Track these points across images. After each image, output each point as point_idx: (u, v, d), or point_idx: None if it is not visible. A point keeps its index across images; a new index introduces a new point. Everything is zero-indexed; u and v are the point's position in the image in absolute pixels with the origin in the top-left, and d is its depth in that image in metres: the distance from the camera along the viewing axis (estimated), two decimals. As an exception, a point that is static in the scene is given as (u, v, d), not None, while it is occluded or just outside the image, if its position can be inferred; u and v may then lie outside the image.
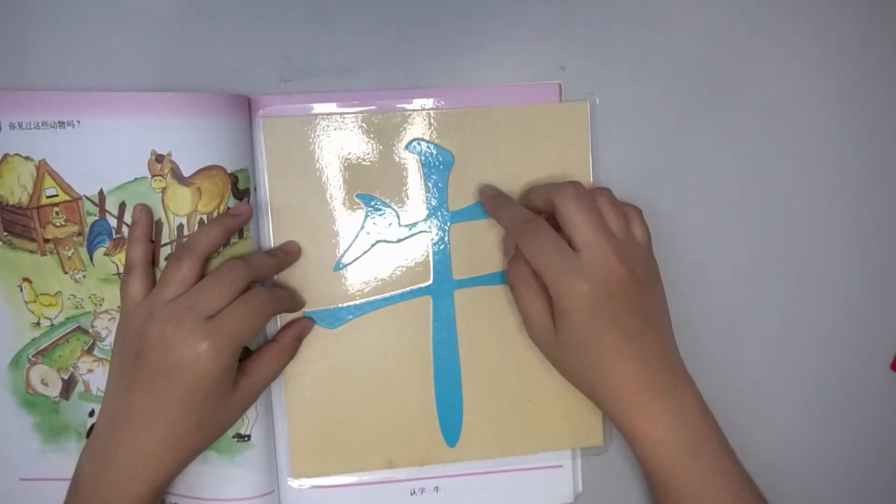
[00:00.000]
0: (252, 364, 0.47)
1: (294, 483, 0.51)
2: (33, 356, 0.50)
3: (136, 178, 0.47)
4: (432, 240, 0.51)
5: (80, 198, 0.48)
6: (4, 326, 0.49)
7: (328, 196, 0.50)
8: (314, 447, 0.51)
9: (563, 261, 0.44)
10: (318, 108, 0.50)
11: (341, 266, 0.50)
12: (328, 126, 0.49)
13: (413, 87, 0.50)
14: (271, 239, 0.50)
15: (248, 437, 0.49)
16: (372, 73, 0.50)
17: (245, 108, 0.49)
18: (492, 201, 0.49)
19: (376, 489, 0.52)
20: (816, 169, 0.54)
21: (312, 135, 0.49)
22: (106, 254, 0.48)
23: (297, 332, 0.49)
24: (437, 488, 0.53)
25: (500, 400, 0.52)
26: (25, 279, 0.49)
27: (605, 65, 0.52)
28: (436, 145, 0.50)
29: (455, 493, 0.53)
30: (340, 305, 0.50)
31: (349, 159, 0.49)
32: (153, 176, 0.47)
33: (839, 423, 0.55)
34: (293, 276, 0.50)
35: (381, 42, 0.50)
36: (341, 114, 0.49)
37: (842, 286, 0.55)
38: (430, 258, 0.51)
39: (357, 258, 0.50)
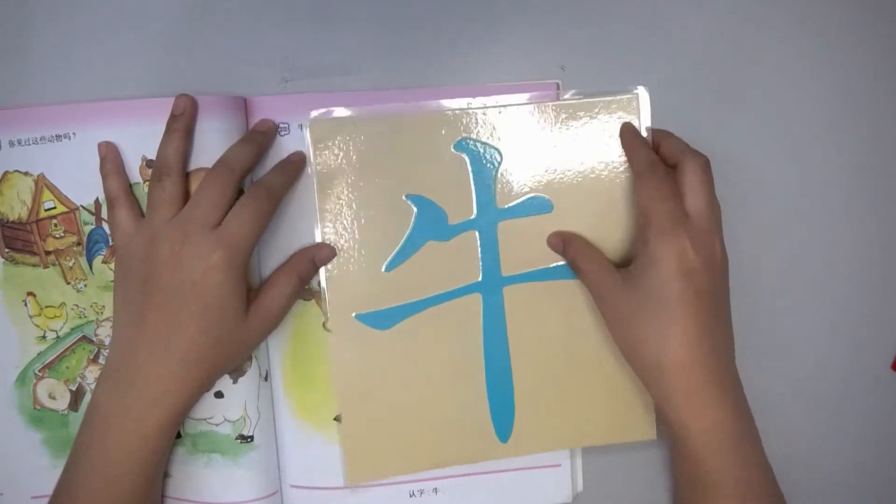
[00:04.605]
0: (263, 286, 0.47)
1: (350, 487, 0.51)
2: (40, 370, 0.50)
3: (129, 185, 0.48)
4: (481, 237, 0.50)
5: (77, 208, 0.49)
6: (9, 344, 0.50)
7: (377, 197, 0.50)
8: (368, 451, 0.50)
9: (676, 212, 0.45)
10: (364, 109, 0.50)
11: (391, 266, 0.50)
12: (375, 127, 0.49)
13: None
14: (320, 241, 0.50)
15: (251, 438, 0.49)
16: (372, 73, 0.51)
17: (241, 109, 0.49)
18: (628, 138, 0.49)
19: (376, 491, 0.52)
20: (816, 169, 0.53)
21: (360, 136, 0.49)
22: (104, 262, 0.49)
23: (310, 254, 0.49)
24: (436, 490, 0.52)
25: (552, 394, 0.51)
26: (30, 293, 0.50)
27: (605, 65, 0.52)
28: (483, 143, 0.50)
29: (454, 494, 0.52)
30: (391, 306, 0.50)
31: (397, 159, 0.50)
32: (145, 181, 0.48)
33: (839, 422, 0.55)
34: (343, 277, 0.50)
35: (381, 42, 0.51)
36: (388, 115, 0.49)
37: (842, 286, 0.54)
38: (479, 256, 0.50)
39: (407, 258, 0.50)
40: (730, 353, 0.46)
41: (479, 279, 0.50)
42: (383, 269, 0.50)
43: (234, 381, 0.49)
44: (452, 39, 0.51)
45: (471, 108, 0.50)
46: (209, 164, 0.46)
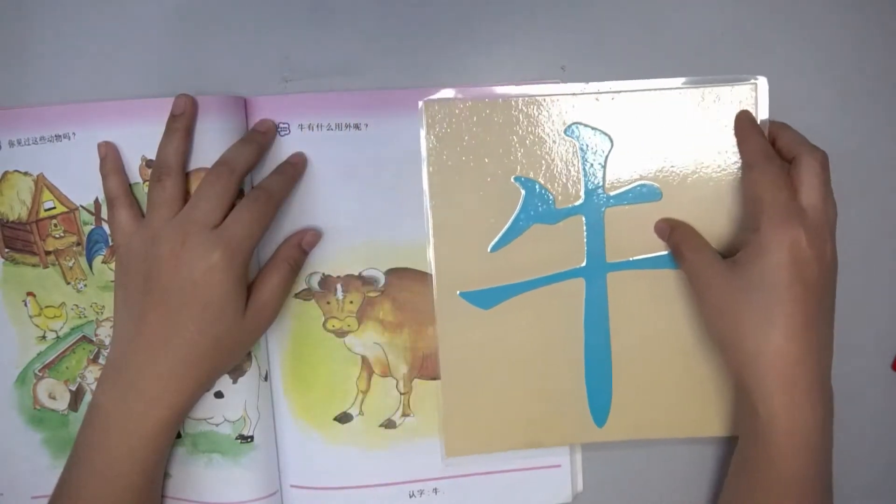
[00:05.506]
0: (255, 281, 0.47)
1: (448, 462, 0.52)
2: (39, 371, 0.50)
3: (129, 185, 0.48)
4: (587, 223, 0.50)
5: (77, 208, 0.49)
6: (9, 344, 0.50)
7: (485, 178, 0.50)
8: (467, 425, 0.51)
9: (791, 203, 0.44)
10: (477, 92, 0.50)
11: (497, 247, 0.50)
12: (487, 109, 0.50)
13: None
14: (430, 221, 0.50)
15: (251, 438, 0.49)
16: (372, 73, 0.51)
17: (241, 108, 0.49)
18: (744, 127, 0.48)
19: (376, 491, 0.52)
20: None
21: (471, 119, 0.50)
22: (104, 262, 0.49)
23: (297, 240, 0.49)
24: (435, 490, 0.52)
25: (650, 383, 0.51)
26: (30, 293, 0.50)
27: (605, 65, 0.52)
28: (594, 129, 0.50)
29: (454, 495, 0.52)
30: (495, 286, 0.50)
31: (507, 142, 0.50)
32: (145, 181, 0.48)
33: (839, 423, 0.54)
34: (450, 255, 0.50)
35: (381, 42, 0.51)
36: (500, 98, 0.50)
37: (842, 286, 0.53)
38: (585, 241, 0.51)
39: (513, 240, 0.50)
40: (828, 358, 0.45)
41: (584, 264, 0.51)
42: (489, 250, 0.50)
43: (234, 381, 0.49)
44: (452, 39, 0.51)
45: (583, 94, 0.50)
46: (209, 164, 0.46)
